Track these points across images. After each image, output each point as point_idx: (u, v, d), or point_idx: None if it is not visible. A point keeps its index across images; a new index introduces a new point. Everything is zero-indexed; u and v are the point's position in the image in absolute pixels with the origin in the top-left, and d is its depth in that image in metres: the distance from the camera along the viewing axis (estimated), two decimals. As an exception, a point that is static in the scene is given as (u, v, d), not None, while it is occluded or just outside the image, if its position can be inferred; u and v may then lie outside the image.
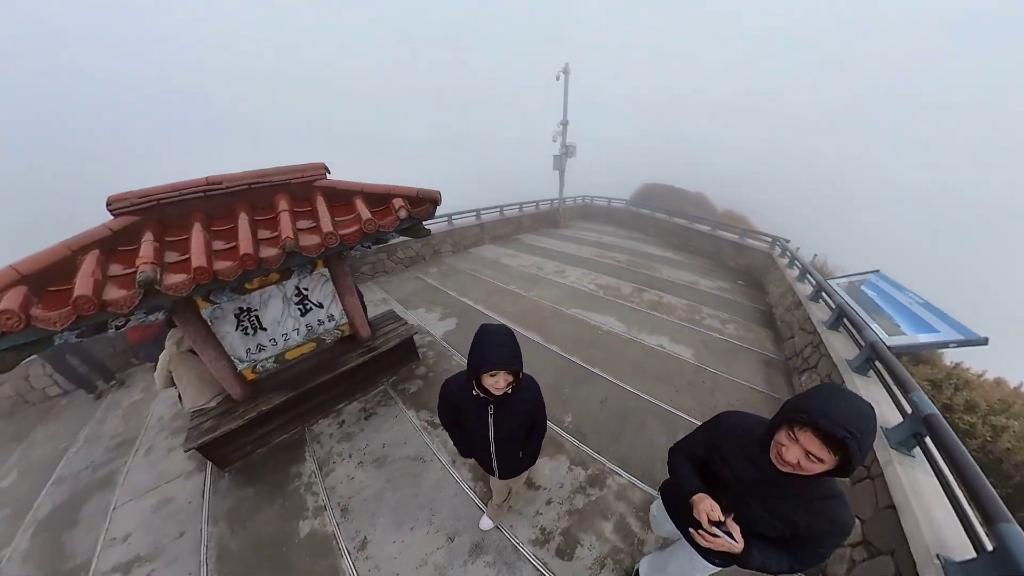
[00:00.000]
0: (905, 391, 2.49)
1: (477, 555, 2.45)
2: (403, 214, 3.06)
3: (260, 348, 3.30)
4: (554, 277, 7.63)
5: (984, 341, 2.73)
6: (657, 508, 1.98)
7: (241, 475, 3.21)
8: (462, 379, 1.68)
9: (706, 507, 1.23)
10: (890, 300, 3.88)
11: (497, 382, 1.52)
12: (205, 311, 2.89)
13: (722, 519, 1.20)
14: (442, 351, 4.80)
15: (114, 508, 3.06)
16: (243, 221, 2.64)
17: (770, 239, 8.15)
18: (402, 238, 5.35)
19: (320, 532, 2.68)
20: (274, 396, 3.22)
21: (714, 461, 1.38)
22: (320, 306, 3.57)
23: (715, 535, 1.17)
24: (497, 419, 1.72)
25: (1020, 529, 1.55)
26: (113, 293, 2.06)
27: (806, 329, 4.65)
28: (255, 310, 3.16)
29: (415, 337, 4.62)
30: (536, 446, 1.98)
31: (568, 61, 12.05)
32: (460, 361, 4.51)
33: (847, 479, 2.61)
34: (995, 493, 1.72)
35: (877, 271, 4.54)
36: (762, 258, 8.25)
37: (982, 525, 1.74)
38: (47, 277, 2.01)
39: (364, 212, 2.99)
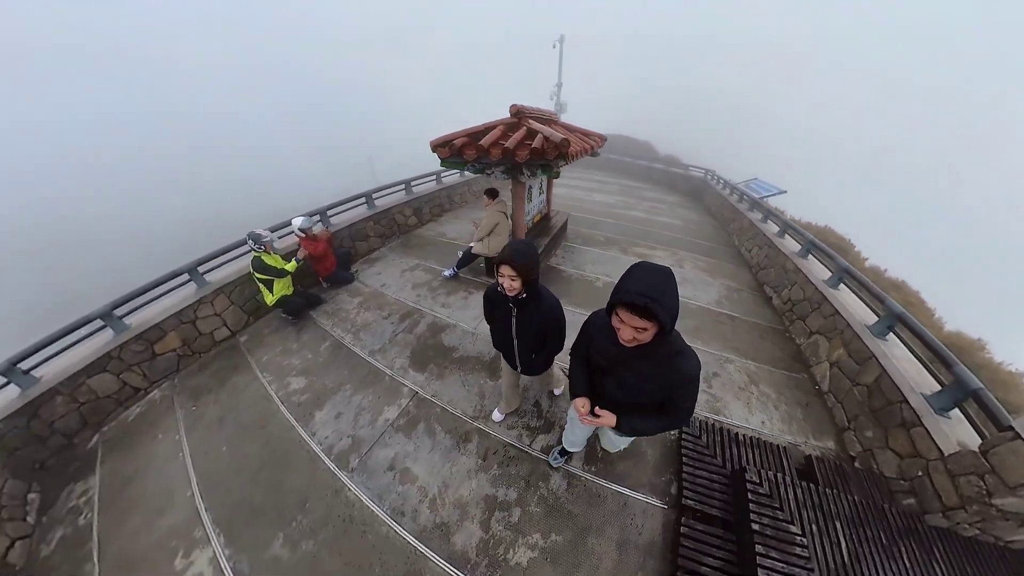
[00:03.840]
0: (947, 365, 2.94)
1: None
2: (599, 144, 6.59)
3: (528, 213, 5.87)
4: (589, 196, 12.28)
5: (785, 191, 8.10)
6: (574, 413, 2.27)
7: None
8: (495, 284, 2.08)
9: (579, 404, 1.77)
10: (761, 186, 9.34)
11: (503, 278, 1.94)
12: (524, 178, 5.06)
13: (590, 411, 1.72)
14: (576, 224, 8.86)
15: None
16: (565, 130, 5.75)
17: (704, 170, 13.58)
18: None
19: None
20: (542, 239, 6.33)
21: (591, 354, 1.80)
22: (542, 192, 6.78)
23: (594, 417, 1.71)
24: (518, 320, 2.20)
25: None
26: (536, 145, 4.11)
27: (730, 210, 9.99)
28: (532, 188, 5.82)
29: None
30: (549, 355, 2.44)
31: (563, 32, 15.87)
32: (587, 226, 8.99)
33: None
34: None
35: (756, 178, 10.02)
36: (699, 183, 13.73)
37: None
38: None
39: (587, 140, 5.96)
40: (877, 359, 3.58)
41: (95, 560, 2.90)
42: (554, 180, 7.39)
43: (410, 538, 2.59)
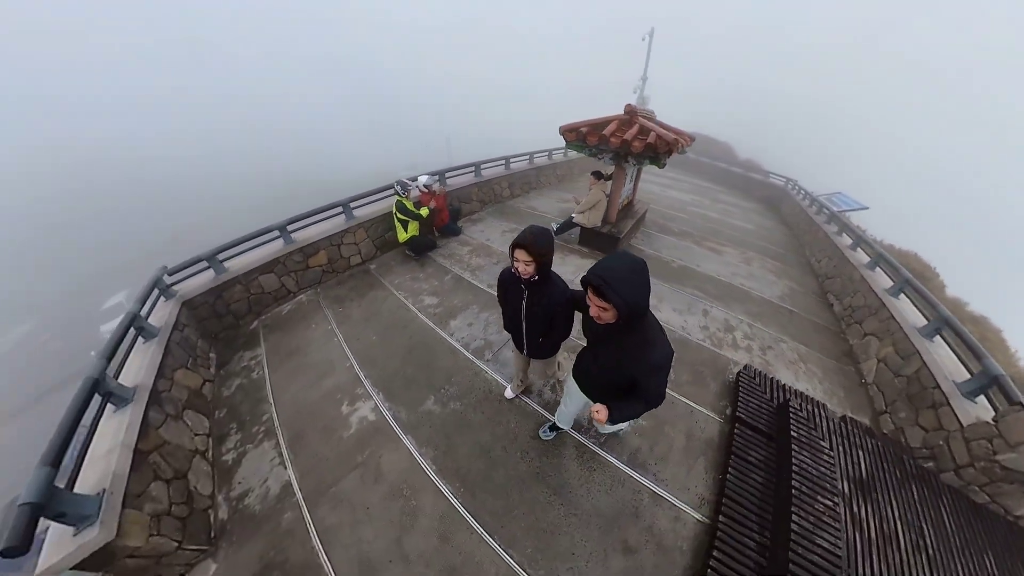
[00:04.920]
0: (977, 357, 3.53)
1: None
2: (688, 144, 7.35)
3: (620, 196, 6.83)
4: (664, 192, 12.79)
5: (867, 208, 8.31)
6: (568, 385, 2.55)
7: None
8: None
9: (594, 407, 1.81)
10: (844, 200, 9.50)
11: (518, 262, 2.05)
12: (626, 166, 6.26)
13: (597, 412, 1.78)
14: (654, 215, 9.60)
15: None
16: (660, 127, 6.42)
17: (785, 179, 13.55)
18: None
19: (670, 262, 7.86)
20: (629, 220, 7.28)
21: (585, 320, 1.90)
22: (631, 181, 7.54)
23: (597, 416, 1.77)
24: (528, 301, 2.30)
25: None
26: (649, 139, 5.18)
27: (807, 222, 10.19)
28: (627, 175, 6.66)
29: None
30: (555, 340, 2.54)
31: (653, 26, 16.06)
32: (662, 218, 9.69)
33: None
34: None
35: (840, 192, 10.12)
36: (778, 192, 13.72)
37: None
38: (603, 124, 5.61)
39: (680, 139, 6.96)
40: (920, 355, 4.18)
41: (271, 401, 3.90)
42: (633, 178, 8.11)
43: (536, 407, 3.68)
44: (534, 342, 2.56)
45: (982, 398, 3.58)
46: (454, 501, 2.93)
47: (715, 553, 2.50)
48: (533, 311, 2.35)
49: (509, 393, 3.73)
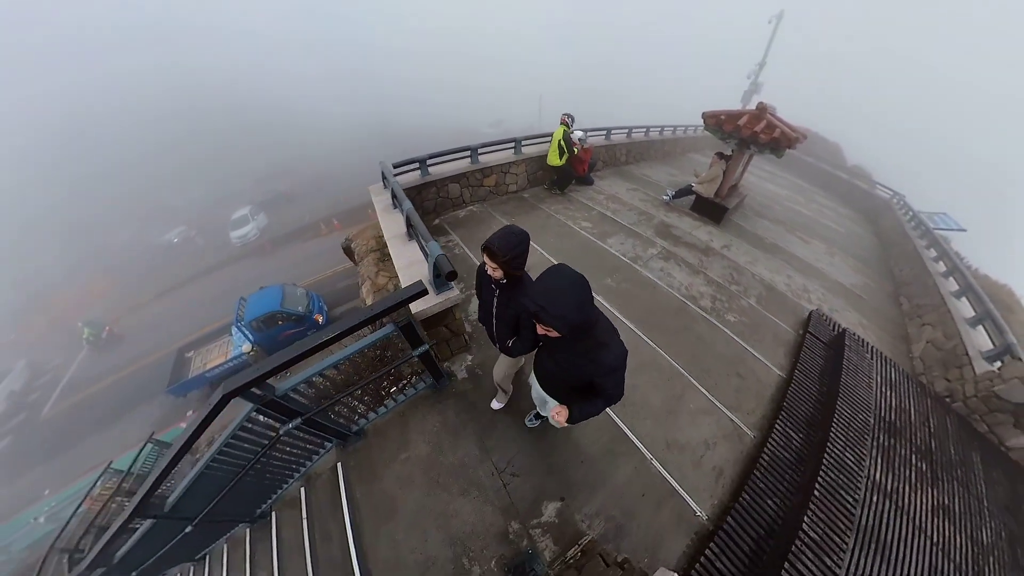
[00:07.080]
0: (1000, 333, 4.87)
1: (795, 250, 9.07)
2: (802, 141, 8.56)
3: (733, 176, 8.02)
4: (760, 183, 13.45)
5: (964, 229, 8.99)
6: (531, 381, 2.66)
7: (727, 225, 8.14)
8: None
9: (555, 410, 1.97)
10: (943, 219, 10.10)
11: (487, 264, 2.04)
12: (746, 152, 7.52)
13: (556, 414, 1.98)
14: (750, 202, 10.68)
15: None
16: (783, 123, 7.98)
17: (891, 191, 13.71)
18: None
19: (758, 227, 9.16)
20: (735, 199, 8.45)
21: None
22: (743, 167, 8.70)
23: (557, 417, 1.95)
24: (498, 300, 2.32)
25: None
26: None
27: (901, 235, 10.78)
28: (743, 160, 8.16)
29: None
30: (522, 346, 2.44)
31: (783, 8, 15.87)
32: (757, 205, 10.77)
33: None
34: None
35: (945, 212, 10.61)
36: (880, 205, 13.89)
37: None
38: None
39: (800, 136, 8.42)
40: (960, 335, 5.44)
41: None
42: (744, 164, 9.28)
43: (677, 295, 5.50)
44: (504, 342, 2.60)
45: (999, 364, 4.88)
46: (638, 332, 4.73)
47: (791, 387, 4.25)
48: (502, 312, 2.39)
49: (496, 404, 3.66)
